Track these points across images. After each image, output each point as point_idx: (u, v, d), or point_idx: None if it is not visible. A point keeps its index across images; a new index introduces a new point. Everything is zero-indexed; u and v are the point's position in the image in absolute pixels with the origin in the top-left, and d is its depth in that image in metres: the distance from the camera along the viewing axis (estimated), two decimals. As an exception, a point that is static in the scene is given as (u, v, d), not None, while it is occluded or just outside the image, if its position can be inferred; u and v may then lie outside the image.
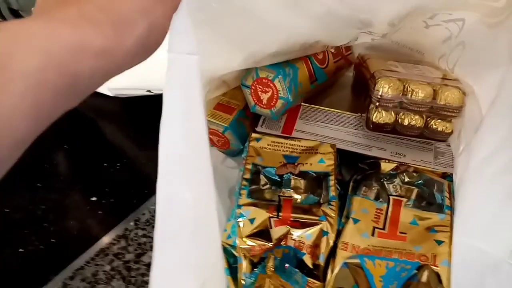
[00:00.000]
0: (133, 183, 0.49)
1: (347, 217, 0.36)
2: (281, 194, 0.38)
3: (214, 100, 0.45)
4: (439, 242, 0.32)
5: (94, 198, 0.48)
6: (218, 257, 0.34)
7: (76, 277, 0.42)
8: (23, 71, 0.19)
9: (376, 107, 0.39)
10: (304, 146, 0.41)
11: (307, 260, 0.34)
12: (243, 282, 0.34)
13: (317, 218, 0.35)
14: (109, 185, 0.49)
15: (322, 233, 0.35)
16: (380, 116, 0.39)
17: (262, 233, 0.35)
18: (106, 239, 0.45)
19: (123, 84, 0.51)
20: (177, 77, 0.25)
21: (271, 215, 0.35)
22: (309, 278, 0.34)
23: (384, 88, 0.37)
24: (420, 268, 0.31)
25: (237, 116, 0.45)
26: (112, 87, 0.52)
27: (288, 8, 0.28)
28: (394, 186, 0.38)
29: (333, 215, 0.35)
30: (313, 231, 0.35)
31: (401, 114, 0.39)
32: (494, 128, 0.31)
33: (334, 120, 0.44)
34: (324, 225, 0.35)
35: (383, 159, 0.40)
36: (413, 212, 0.35)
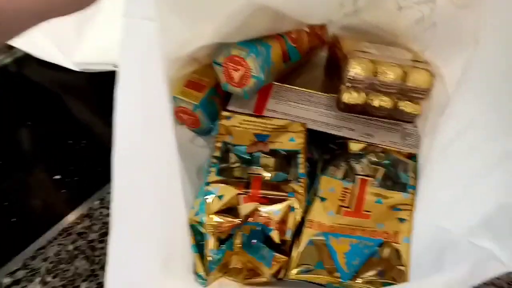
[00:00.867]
0: (98, 161, 0.48)
1: (315, 196, 0.36)
2: (250, 172, 0.38)
3: (184, 77, 0.44)
4: (402, 220, 0.33)
5: (58, 176, 0.47)
6: (183, 234, 0.33)
7: (38, 257, 0.41)
8: None
9: (347, 87, 0.39)
10: (275, 125, 0.41)
11: (275, 235, 0.35)
12: (209, 258, 0.34)
13: (285, 194, 0.35)
14: (74, 163, 0.48)
15: (290, 209, 0.35)
16: (351, 97, 0.39)
17: (230, 210, 0.35)
18: (69, 218, 0.44)
19: (89, 58, 0.49)
20: (134, 45, 0.24)
21: (239, 192, 0.35)
22: (275, 253, 0.34)
23: (356, 69, 0.38)
24: (381, 245, 0.32)
25: (208, 94, 0.44)
26: (78, 61, 0.50)
27: None
28: (361, 166, 0.38)
29: (301, 191, 0.35)
30: (281, 207, 0.35)
31: (371, 95, 0.39)
32: (459, 110, 0.32)
33: (305, 100, 0.44)
34: (292, 201, 0.35)
35: (352, 139, 0.41)
36: (378, 191, 0.36)
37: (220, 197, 0.35)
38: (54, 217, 0.44)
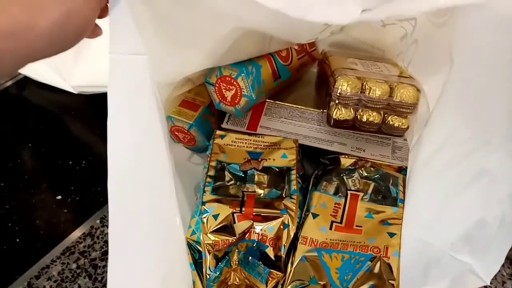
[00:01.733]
0: (98, 181, 0.49)
1: (307, 212, 0.37)
2: (245, 189, 0.39)
3: (179, 97, 0.46)
4: (392, 235, 0.34)
5: (59, 197, 0.48)
6: (180, 253, 0.35)
7: (42, 276, 0.42)
8: None
9: (336, 104, 0.40)
10: (268, 142, 0.42)
11: (270, 252, 0.36)
12: (208, 276, 0.35)
13: (278, 211, 0.36)
14: (75, 183, 0.49)
15: (284, 225, 0.36)
16: (340, 113, 0.40)
17: (226, 228, 0.36)
18: (72, 238, 0.45)
19: (85, 82, 0.50)
20: (120, 79, 0.25)
21: (234, 211, 0.36)
22: (271, 270, 0.35)
23: (343, 86, 0.39)
24: (373, 259, 0.33)
25: (202, 113, 0.45)
26: (75, 84, 0.51)
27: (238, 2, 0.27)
28: (353, 181, 0.39)
29: (294, 208, 0.36)
30: (275, 224, 0.36)
31: (360, 110, 0.40)
32: (439, 126, 0.33)
33: (297, 116, 0.46)
34: (285, 218, 0.36)
35: (343, 154, 0.42)
36: (368, 206, 0.37)
37: (215, 216, 0.36)
38: (57, 237, 0.45)
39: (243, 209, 0.37)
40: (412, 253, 0.32)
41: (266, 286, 0.35)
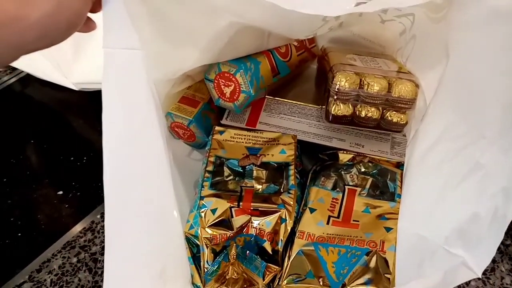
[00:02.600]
0: (99, 176, 0.49)
1: (305, 206, 0.37)
2: (243, 184, 0.39)
3: (179, 94, 0.46)
4: (388, 229, 0.34)
5: (60, 192, 0.49)
6: (178, 247, 0.35)
7: (43, 270, 0.42)
8: None
9: (334, 100, 0.40)
10: (266, 138, 0.42)
11: (267, 246, 0.36)
12: (206, 270, 0.36)
13: (275, 206, 0.36)
14: (76, 178, 0.49)
15: (281, 220, 0.36)
16: (338, 109, 0.40)
17: (224, 223, 0.36)
18: (72, 232, 0.45)
19: (86, 78, 0.51)
20: (115, 74, 0.25)
21: (232, 205, 0.37)
22: (268, 264, 0.35)
23: (341, 82, 0.39)
24: (369, 253, 0.33)
25: (201, 109, 0.45)
26: (76, 81, 0.52)
27: None
28: (351, 176, 0.39)
29: (291, 202, 0.36)
30: (272, 218, 0.36)
31: (358, 106, 0.40)
32: (434, 121, 0.33)
33: (297, 112, 0.46)
34: (283, 212, 0.36)
35: (342, 149, 0.42)
36: (366, 201, 0.37)
37: (213, 210, 0.36)
38: (58, 231, 0.45)
39: (240, 203, 0.37)
40: (407, 247, 0.32)
41: (263, 279, 0.35)
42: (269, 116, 0.45)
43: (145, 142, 0.29)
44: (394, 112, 0.41)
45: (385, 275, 0.32)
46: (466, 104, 0.29)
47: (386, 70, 0.41)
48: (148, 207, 0.30)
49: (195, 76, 0.45)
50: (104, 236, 0.45)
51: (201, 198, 0.37)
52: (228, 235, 0.36)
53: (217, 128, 0.43)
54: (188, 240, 0.36)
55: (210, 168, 0.40)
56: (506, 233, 0.43)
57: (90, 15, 0.26)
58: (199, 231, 0.36)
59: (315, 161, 0.43)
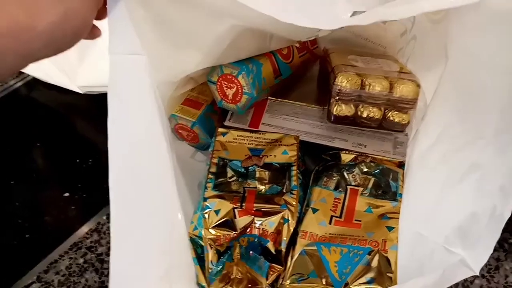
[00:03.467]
0: (105, 178, 0.50)
1: (307, 207, 0.38)
2: (246, 185, 0.39)
3: (182, 96, 0.46)
4: (390, 229, 0.34)
5: (67, 194, 0.49)
6: (184, 247, 0.35)
7: (50, 271, 0.43)
8: None
9: (336, 100, 0.40)
10: (269, 139, 0.43)
11: (270, 246, 0.36)
12: (210, 270, 0.36)
13: (278, 206, 0.37)
14: (82, 180, 0.50)
15: (284, 220, 0.36)
16: (340, 109, 0.41)
17: (227, 223, 0.36)
18: (79, 233, 0.46)
19: (91, 82, 0.51)
20: (121, 80, 0.26)
21: (235, 206, 0.37)
22: (271, 264, 0.36)
23: (343, 83, 0.39)
24: (371, 253, 0.33)
25: (205, 111, 0.46)
26: (81, 85, 0.53)
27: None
28: (353, 176, 0.40)
29: (294, 203, 0.37)
30: (275, 218, 0.36)
31: (360, 106, 0.41)
32: (433, 121, 0.33)
33: (299, 113, 0.46)
34: (285, 212, 0.36)
35: (345, 150, 0.42)
36: (368, 201, 0.37)
37: (216, 211, 0.37)
38: (64, 233, 0.46)
39: (243, 204, 0.37)
40: (408, 245, 0.32)
41: (267, 279, 0.36)
42: (272, 117, 0.46)
43: (150, 145, 0.29)
44: (396, 112, 0.41)
45: (387, 274, 0.33)
46: (464, 104, 0.30)
47: (388, 71, 0.41)
48: (153, 208, 0.30)
49: (198, 79, 0.46)
50: (110, 237, 0.46)
51: (205, 199, 0.38)
52: (231, 236, 0.36)
53: (220, 129, 0.43)
54: (192, 241, 0.36)
55: (213, 169, 0.40)
56: (510, 232, 0.43)
57: (95, 22, 0.26)
58: (203, 232, 0.36)
59: (318, 161, 0.44)
